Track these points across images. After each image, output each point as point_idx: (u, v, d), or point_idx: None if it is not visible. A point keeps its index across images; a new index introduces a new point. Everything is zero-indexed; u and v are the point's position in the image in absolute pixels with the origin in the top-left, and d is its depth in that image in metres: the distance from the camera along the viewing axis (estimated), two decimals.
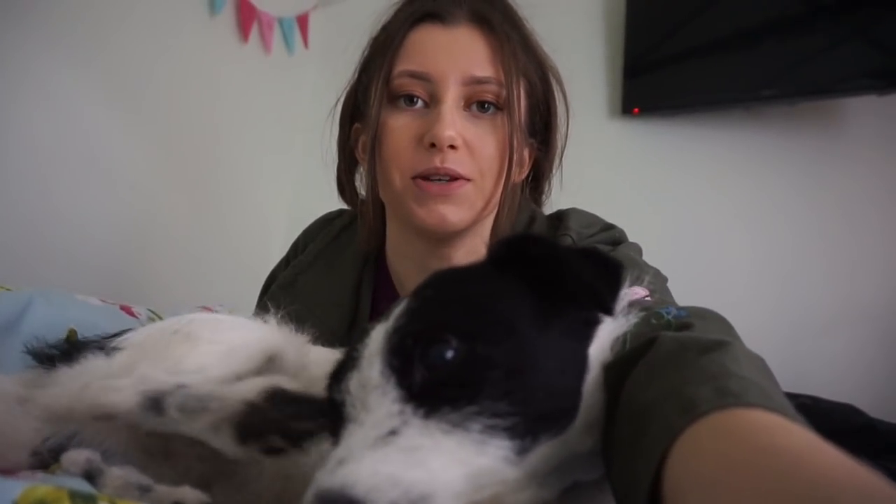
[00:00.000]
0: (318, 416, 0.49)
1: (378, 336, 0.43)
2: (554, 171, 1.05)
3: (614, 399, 0.48)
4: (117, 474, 0.54)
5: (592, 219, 0.96)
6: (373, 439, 0.37)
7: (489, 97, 0.89)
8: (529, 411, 0.39)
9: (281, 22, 2.41)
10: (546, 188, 1.07)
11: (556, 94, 0.98)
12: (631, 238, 0.96)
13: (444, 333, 0.39)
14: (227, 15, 2.13)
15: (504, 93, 0.89)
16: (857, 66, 1.94)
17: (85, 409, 0.57)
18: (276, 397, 0.53)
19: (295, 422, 0.50)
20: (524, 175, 1.02)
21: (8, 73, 1.35)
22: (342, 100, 1.04)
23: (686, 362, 0.45)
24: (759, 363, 0.48)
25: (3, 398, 0.61)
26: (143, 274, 1.71)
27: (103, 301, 1.00)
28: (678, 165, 2.29)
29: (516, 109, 0.90)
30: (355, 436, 0.38)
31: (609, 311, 0.45)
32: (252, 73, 2.23)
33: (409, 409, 0.38)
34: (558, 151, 1.02)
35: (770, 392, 0.41)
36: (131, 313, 1.01)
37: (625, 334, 0.50)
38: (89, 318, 0.91)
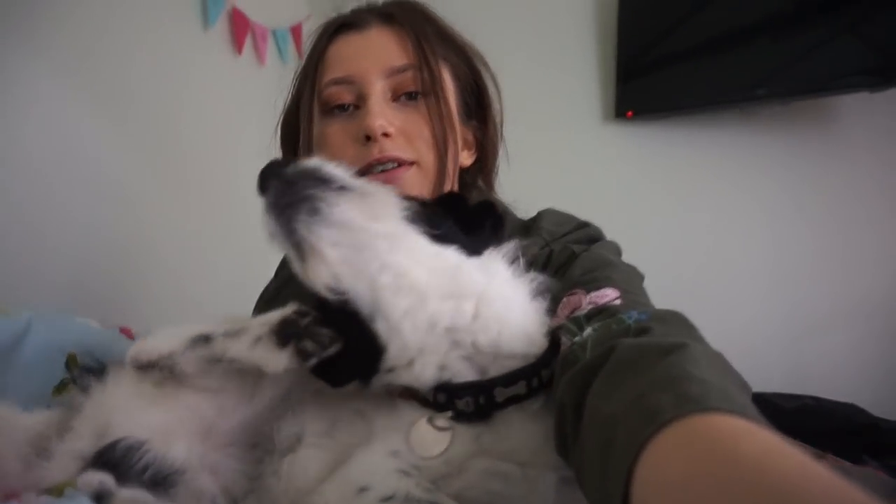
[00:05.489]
0: (334, 324, 0.62)
1: None
2: (499, 151, 1.07)
3: (578, 411, 0.50)
4: (126, 496, 0.57)
5: (566, 217, 0.95)
6: None
7: (413, 85, 0.93)
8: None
9: (274, 33, 2.41)
10: (494, 168, 1.08)
11: (483, 73, 1.02)
12: (626, 241, 0.95)
13: None
14: (221, 27, 2.13)
15: (426, 75, 0.92)
16: (848, 63, 1.95)
17: (146, 396, 0.67)
18: (301, 313, 0.64)
19: (318, 327, 0.63)
20: (473, 158, 1.05)
21: None
22: (279, 127, 1.08)
23: (645, 368, 0.47)
24: (718, 362, 0.49)
25: (13, 441, 0.68)
26: (138, 292, 1.70)
27: (102, 325, 0.99)
28: (673, 167, 2.30)
29: (440, 85, 0.93)
30: None
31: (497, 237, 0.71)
32: (246, 85, 2.23)
33: None
34: (499, 128, 1.05)
35: (730, 393, 0.42)
36: (130, 335, 1.00)
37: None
38: (89, 342, 0.90)
